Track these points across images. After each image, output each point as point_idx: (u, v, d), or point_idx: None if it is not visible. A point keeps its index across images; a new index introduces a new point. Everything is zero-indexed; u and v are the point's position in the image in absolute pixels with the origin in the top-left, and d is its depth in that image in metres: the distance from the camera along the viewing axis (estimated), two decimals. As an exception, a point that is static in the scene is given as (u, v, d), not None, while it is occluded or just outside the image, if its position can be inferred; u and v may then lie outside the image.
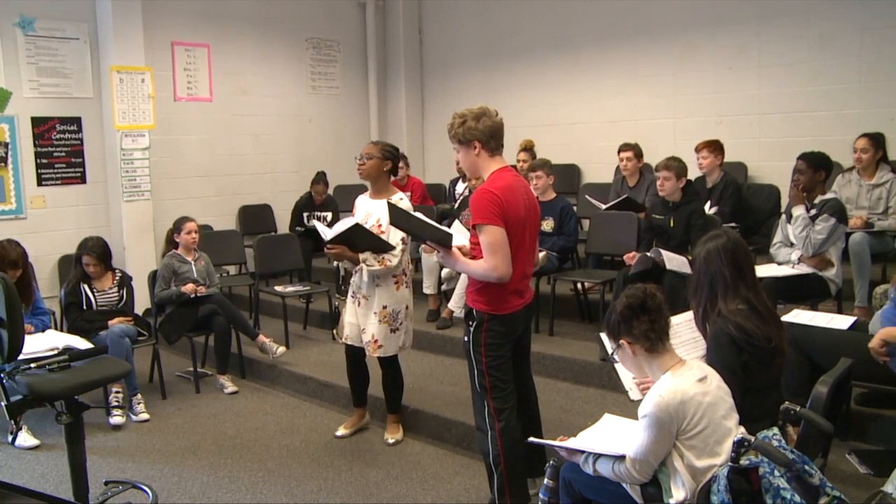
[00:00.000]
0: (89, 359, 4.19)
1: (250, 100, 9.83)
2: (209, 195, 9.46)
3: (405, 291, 5.12)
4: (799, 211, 5.48)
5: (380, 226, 4.95)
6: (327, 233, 4.99)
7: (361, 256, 4.94)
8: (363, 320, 5.09)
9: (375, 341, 5.07)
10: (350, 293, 5.19)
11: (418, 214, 4.11)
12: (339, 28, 10.77)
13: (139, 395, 6.10)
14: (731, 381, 3.10)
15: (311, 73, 10.50)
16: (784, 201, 6.93)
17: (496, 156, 3.94)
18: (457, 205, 7.83)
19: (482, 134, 3.88)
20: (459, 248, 3.97)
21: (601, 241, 7.07)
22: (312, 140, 10.45)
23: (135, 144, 8.35)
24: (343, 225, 4.94)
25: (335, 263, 5.15)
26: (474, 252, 3.90)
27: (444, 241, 3.90)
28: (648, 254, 5.73)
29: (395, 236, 4.92)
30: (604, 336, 3.30)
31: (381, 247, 4.88)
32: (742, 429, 3.02)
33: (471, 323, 3.94)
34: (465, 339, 3.98)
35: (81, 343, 4.69)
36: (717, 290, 3.38)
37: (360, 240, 4.87)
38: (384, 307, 5.05)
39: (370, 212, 5.04)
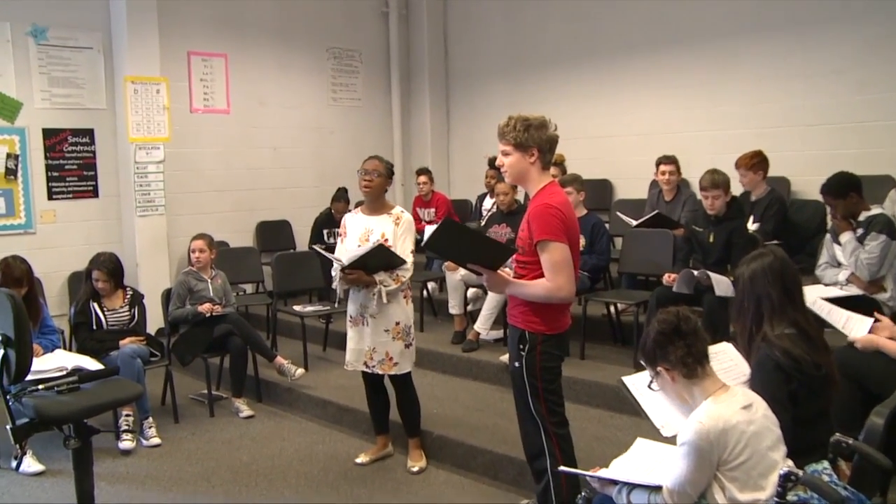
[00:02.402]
0: (99, 380, 4.20)
1: (269, 111, 9.87)
2: (225, 210, 9.48)
3: (411, 306, 5.17)
4: (847, 237, 5.39)
5: (386, 240, 4.98)
6: (341, 258, 4.98)
7: (378, 278, 4.95)
8: (373, 340, 5.08)
9: (391, 359, 5.08)
10: (349, 317, 5.18)
11: (473, 227, 4.08)
12: (361, 37, 10.81)
13: (150, 419, 6.08)
14: (778, 411, 3.02)
15: (331, 84, 10.54)
16: (830, 218, 6.82)
17: (546, 170, 3.94)
18: (484, 222, 7.82)
19: (543, 143, 3.87)
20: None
21: (634, 259, 7.03)
22: (333, 154, 10.48)
23: (149, 157, 8.39)
24: (360, 250, 4.94)
25: (339, 289, 5.10)
26: (522, 272, 3.88)
27: (502, 260, 3.88)
28: (695, 272, 5.65)
29: (404, 248, 4.97)
30: (627, 379, 3.28)
31: (394, 262, 4.92)
32: (789, 462, 2.95)
33: (522, 346, 3.88)
34: (516, 364, 3.93)
35: (91, 364, 4.70)
36: (762, 312, 3.31)
37: (374, 260, 4.88)
38: (397, 323, 5.07)
39: (369, 228, 5.06)
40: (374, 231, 5.03)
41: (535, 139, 3.84)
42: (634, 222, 7.12)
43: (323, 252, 5.13)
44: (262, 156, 9.84)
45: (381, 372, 5.13)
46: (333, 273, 5.07)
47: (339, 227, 8.68)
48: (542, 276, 3.77)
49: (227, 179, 9.50)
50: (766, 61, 7.96)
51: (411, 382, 5.28)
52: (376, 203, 5.11)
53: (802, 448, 3.08)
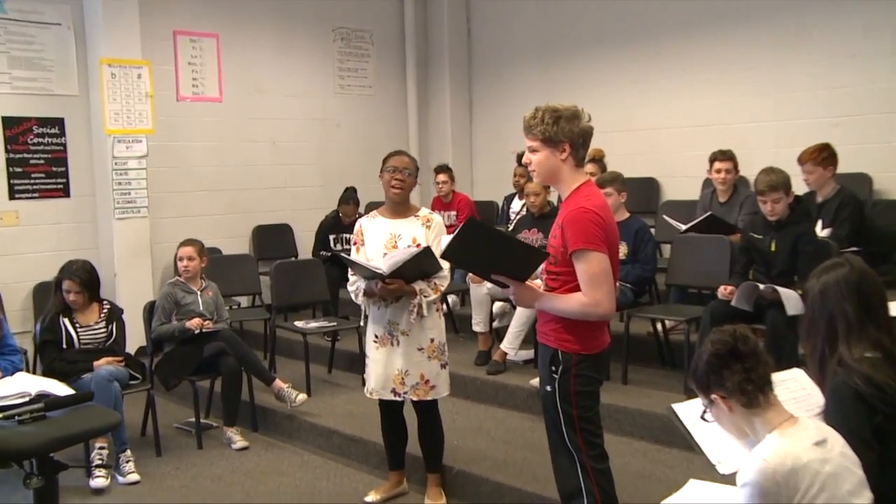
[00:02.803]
0: (69, 408, 4.16)
1: (267, 100, 9.93)
2: (217, 213, 9.54)
3: (443, 320, 5.23)
4: None
5: (418, 245, 4.98)
6: (379, 266, 4.94)
7: (417, 287, 4.96)
8: (405, 361, 5.06)
9: (426, 382, 5.08)
10: (373, 336, 5.15)
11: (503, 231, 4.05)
12: (373, 16, 10.87)
13: (128, 452, 6.05)
14: (859, 450, 2.94)
15: (338, 70, 10.60)
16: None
17: (579, 167, 3.92)
18: (512, 226, 7.85)
19: (575, 137, 3.84)
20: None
21: (685, 270, 7.02)
22: (340, 149, 10.54)
23: (129, 152, 8.44)
24: (400, 253, 4.92)
25: (365, 304, 5.10)
26: (553, 284, 3.86)
27: (533, 268, 3.87)
28: (760, 286, 5.60)
29: (437, 254, 4.94)
30: (677, 408, 3.27)
31: (431, 269, 4.93)
32: (876, 510, 2.88)
33: (555, 369, 3.85)
34: (547, 388, 3.90)
35: (60, 388, 4.67)
36: (836, 331, 3.23)
37: (412, 267, 4.87)
38: (432, 340, 5.09)
39: (395, 233, 5.07)
40: (403, 236, 5.04)
41: (567, 133, 3.81)
42: (684, 226, 7.12)
43: (356, 261, 5.01)
44: (259, 151, 9.89)
45: (414, 398, 5.12)
46: (355, 286, 5.05)
47: (347, 231, 9.03)
48: (576, 288, 3.76)
49: (219, 177, 9.54)
50: (842, 38, 7.91)
51: (437, 409, 5.29)
52: (403, 205, 5.12)
53: (892, 495, 3.01)
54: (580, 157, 3.88)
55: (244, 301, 9.14)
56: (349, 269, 5.13)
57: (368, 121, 10.82)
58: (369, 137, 10.65)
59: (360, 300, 5.06)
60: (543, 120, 3.83)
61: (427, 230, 5.03)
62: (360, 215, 8.91)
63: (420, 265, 4.84)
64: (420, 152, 11.07)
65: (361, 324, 5.34)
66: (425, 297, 4.96)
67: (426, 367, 5.06)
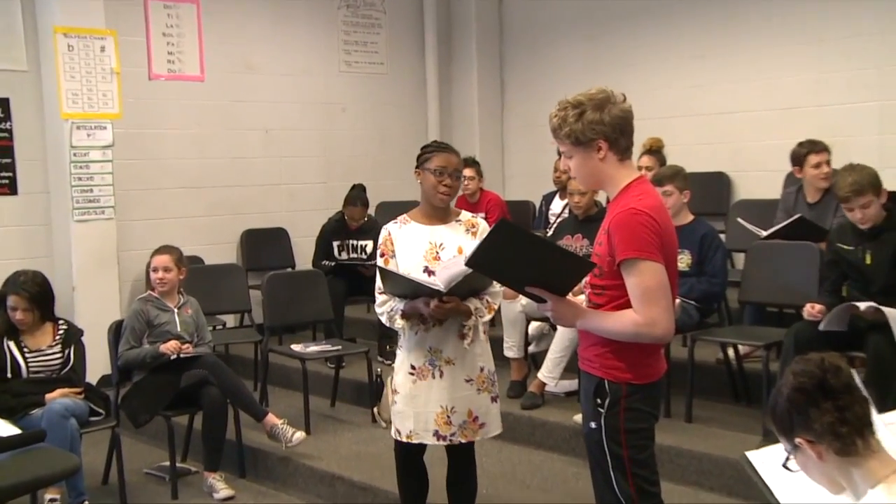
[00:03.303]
0: (15, 450, 4.13)
1: (258, 80, 9.98)
2: (199, 215, 9.59)
3: (489, 345, 5.22)
4: None
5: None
6: (436, 281, 4.88)
7: (472, 306, 4.95)
8: (451, 396, 5.02)
9: (475, 420, 5.04)
10: (408, 368, 5.09)
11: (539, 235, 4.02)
12: (385, -21, 10.98)
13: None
14: None
15: (344, 44, 10.66)
16: None
17: (626, 160, 3.90)
18: (551, 230, 7.87)
19: (610, 129, 3.80)
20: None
21: (763, 284, 7.00)
22: (346, 138, 10.60)
23: (91, 140, 8.48)
24: (453, 265, 4.84)
25: (401, 326, 5.04)
26: (599, 300, 3.86)
27: (576, 280, 3.87)
28: (860, 305, 5.53)
29: None
30: (752, 455, 3.30)
31: (481, 284, 4.91)
32: None
33: (600, 402, 3.84)
34: (592, 425, 3.89)
35: (4, 427, 4.65)
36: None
37: (464, 283, 4.83)
38: (481, 369, 5.05)
39: (436, 242, 5.04)
40: (447, 245, 5.01)
41: (597, 126, 3.79)
42: (765, 232, 7.12)
43: (405, 275, 4.91)
44: (249, 140, 9.95)
45: (462, 440, 5.08)
46: (389, 308, 4.99)
47: (354, 237, 9.14)
48: (625, 305, 3.75)
49: (200, 172, 9.59)
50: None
51: (474, 452, 5.27)
52: (444, 208, 5.11)
53: None
54: (623, 148, 3.86)
55: (231, 320, 9.21)
56: (377, 286, 5.05)
57: (380, 105, 10.87)
58: (381, 124, 10.71)
59: (397, 324, 4.99)
60: (566, 119, 3.83)
61: (473, 238, 5.01)
62: (370, 218, 9.25)
63: (471, 279, 4.78)
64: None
65: (387, 360, 5.23)
66: (480, 317, 4.95)
67: (475, 402, 5.02)
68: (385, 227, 5.18)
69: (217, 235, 9.70)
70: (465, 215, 5.12)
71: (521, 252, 3.83)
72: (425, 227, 5.06)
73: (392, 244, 5.08)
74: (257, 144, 9.99)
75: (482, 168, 9.36)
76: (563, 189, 8.32)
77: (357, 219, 9.05)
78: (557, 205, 8.71)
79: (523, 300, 6.89)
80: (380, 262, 5.07)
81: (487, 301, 4.96)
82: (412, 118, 11.05)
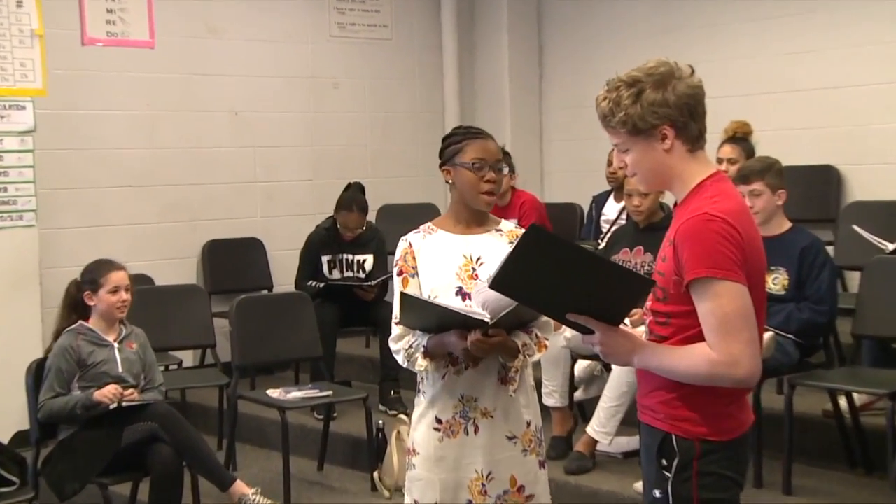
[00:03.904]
0: None
1: (225, 47, 10.09)
2: (147, 221, 9.66)
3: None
4: None
5: None
6: (480, 309, 4.76)
7: (520, 342, 4.84)
8: (489, 458, 4.93)
9: (519, 490, 4.95)
10: (432, 422, 4.99)
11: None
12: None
13: None
14: None
15: (336, 1, 10.71)
16: None
17: (697, 152, 3.81)
18: (603, 241, 7.94)
19: (676, 112, 3.71)
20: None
21: (886, 313, 6.96)
22: (338, 123, 10.72)
23: (6, 124, 8.58)
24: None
25: (422, 368, 4.91)
26: (662, 331, 3.77)
27: (634, 304, 3.78)
28: None
29: None
30: None
31: (528, 315, 4.80)
32: None
33: (667, 463, 3.76)
34: (656, 494, 3.81)
35: None
36: None
37: (513, 312, 4.73)
38: (528, 425, 4.98)
39: (471, 255, 4.97)
40: (486, 259, 4.91)
41: (661, 109, 3.69)
42: (890, 245, 7.13)
43: (451, 307, 4.79)
44: (212, 125, 10.05)
45: None
46: (408, 344, 4.87)
47: (349, 251, 9.13)
48: (697, 337, 3.65)
49: (149, 166, 9.68)
50: None
51: None
52: (483, 213, 5.08)
53: None
54: (694, 135, 3.77)
55: (189, 358, 9.29)
56: (394, 315, 4.94)
57: (382, 80, 11.00)
58: (384, 105, 10.86)
59: (418, 366, 4.88)
60: (619, 102, 3.74)
61: None
62: (369, 226, 9.28)
63: (522, 308, 4.71)
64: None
65: (419, 398, 5.06)
66: (529, 355, 4.85)
67: (520, 467, 4.92)
68: (404, 237, 5.08)
69: (171, 248, 9.79)
70: (507, 225, 5.10)
71: (561, 268, 3.71)
72: (457, 236, 4.99)
73: (414, 259, 5.00)
74: (223, 130, 10.09)
75: (514, 161, 9.32)
76: (618, 188, 8.36)
77: (353, 227, 9.02)
78: (612, 208, 8.77)
79: (568, 332, 6.81)
80: (397, 282, 5.00)
81: (537, 335, 4.85)
82: (424, 97, 11.18)
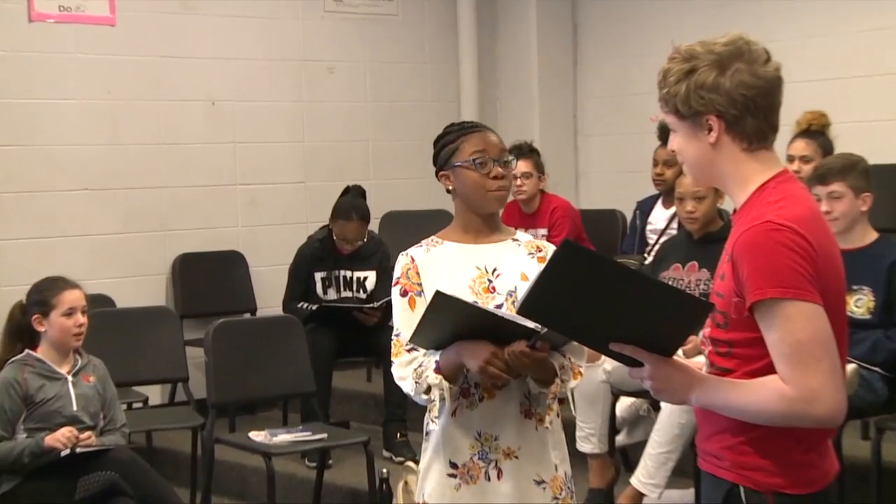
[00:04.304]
0: None
1: (199, 25, 10.17)
2: (108, 231, 9.75)
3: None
4: None
5: None
6: (523, 320, 4.65)
7: (556, 364, 4.78)
8: None
9: None
10: (446, 466, 4.91)
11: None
12: None
13: None
14: None
15: None
16: None
17: (759, 151, 3.69)
18: (650, 256, 8.06)
19: (727, 102, 3.61)
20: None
21: None
22: (334, 115, 10.78)
23: None
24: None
25: (431, 398, 4.85)
26: (726, 364, 3.66)
27: (689, 331, 3.69)
28: None
29: None
30: None
31: (558, 338, 4.70)
32: None
33: None
34: None
35: None
36: None
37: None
38: (556, 468, 4.93)
39: (485, 267, 4.93)
40: (503, 270, 4.90)
41: (709, 95, 3.61)
42: None
43: (494, 311, 4.77)
44: (185, 117, 10.16)
45: None
46: (418, 366, 4.78)
47: (346, 267, 9.14)
48: (766, 370, 3.54)
49: (111, 166, 9.73)
50: None
51: None
52: (493, 221, 5.02)
53: None
54: (752, 132, 3.65)
55: (156, 394, 9.32)
56: (398, 334, 4.88)
57: (386, 65, 11.13)
58: (388, 95, 10.98)
59: (427, 396, 4.80)
60: (667, 77, 3.70)
61: (540, 264, 4.88)
62: (371, 237, 9.30)
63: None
64: (482, 121, 10.96)
65: (427, 438, 4.98)
66: (565, 380, 4.79)
67: None
68: (405, 252, 5.02)
69: (136, 263, 9.88)
70: (524, 236, 5.06)
71: (601, 290, 3.62)
72: (468, 246, 4.93)
73: (418, 275, 4.93)
74: (199, 123, 10.19)
75: (543, 160, 9.32)
76: (667, 192, 8.38)
77: (351, 239, 9.04)
78: (660, 216, 8.77)
79: (608, 363, 6.94)
80: (401, 303, 4.93)
81: (571, 361, 4.78)
82: (435, 84, 11.31)
